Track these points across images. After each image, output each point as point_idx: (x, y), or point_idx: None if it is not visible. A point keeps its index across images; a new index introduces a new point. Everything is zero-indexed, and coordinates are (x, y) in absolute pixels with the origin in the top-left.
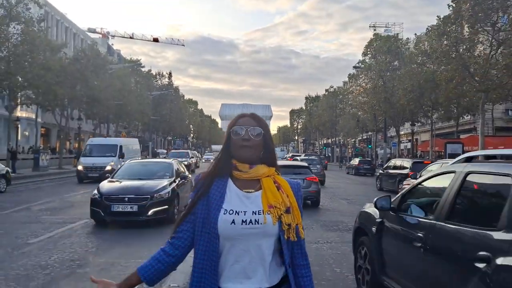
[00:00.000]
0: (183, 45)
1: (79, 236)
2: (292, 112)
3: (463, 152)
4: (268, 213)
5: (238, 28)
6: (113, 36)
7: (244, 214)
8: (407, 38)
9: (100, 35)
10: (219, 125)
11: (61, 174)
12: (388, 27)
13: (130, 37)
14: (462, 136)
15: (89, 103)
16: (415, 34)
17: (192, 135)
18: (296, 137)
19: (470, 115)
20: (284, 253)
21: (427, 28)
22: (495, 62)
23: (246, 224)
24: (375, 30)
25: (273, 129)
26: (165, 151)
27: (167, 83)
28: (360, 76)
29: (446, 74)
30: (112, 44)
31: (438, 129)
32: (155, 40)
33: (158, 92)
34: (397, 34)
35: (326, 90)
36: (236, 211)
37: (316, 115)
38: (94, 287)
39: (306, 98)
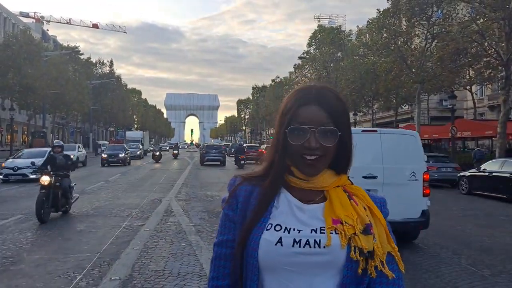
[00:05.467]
0: (124, 32)
1: (12, 232)
2: (239, 102)
3: None
4: (334, 231)
5: (184, 16)
6: (48, 21)
7: (298, 232)
8: (350, 30)
9: (34, 20)
10: (165, 115)
11: None
12: (332, 19)
13: (67, 23)
14: (400, 125)
15: (22, 92)
16: (357, 26)
17: (136, 125)
18: (244, 127)
19: (408, 105)
20: None
21: (367, 21)
22: (429, 55)
23: (299, 246)
24: (319, 21)
25: (221, 119)
26: (107, 142)
27: (108, 71)
28: (306, 67)
29: (385, 66)
30: (47, 30)
31: (378, 118)
32: (95, 26)
33: (98, 81)
34: (340, 26)
35: (273, 80)
36: (286, 228)
37: (263, 105)
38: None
39: (253, 88)
